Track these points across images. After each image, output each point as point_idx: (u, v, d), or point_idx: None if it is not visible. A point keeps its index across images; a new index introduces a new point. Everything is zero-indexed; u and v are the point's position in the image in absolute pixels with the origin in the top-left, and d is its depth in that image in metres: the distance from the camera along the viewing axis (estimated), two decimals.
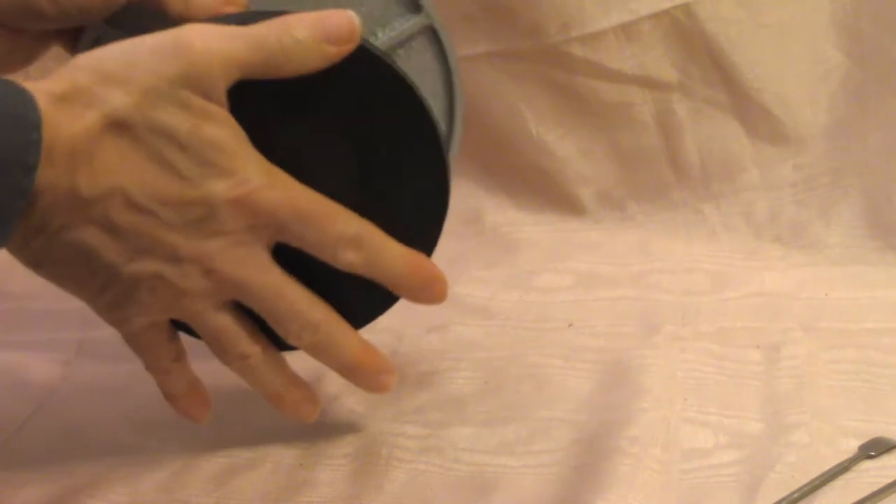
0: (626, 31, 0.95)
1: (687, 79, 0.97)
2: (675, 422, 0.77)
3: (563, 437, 0.77)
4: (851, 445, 0.74)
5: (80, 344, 0.89)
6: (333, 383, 0.84)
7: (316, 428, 0.79)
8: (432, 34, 0.79)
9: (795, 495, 0.70)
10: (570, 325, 0.89)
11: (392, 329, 0.87)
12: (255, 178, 0.67)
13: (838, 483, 0.72)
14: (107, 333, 0.90)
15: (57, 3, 0.72)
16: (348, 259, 0.70)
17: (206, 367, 0.86)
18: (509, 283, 0.94)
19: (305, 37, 0.67)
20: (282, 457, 0.77)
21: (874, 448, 0.74)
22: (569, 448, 0.76)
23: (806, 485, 0.71)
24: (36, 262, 0.66)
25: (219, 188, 0.66)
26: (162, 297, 0.67)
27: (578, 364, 0.84)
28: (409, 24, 0.78)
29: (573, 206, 1.01)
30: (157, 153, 0.64)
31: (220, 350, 0.72)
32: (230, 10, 0.74)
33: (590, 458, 0.74)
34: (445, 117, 0.80)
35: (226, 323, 0.70)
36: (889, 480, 0.71)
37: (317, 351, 0.72)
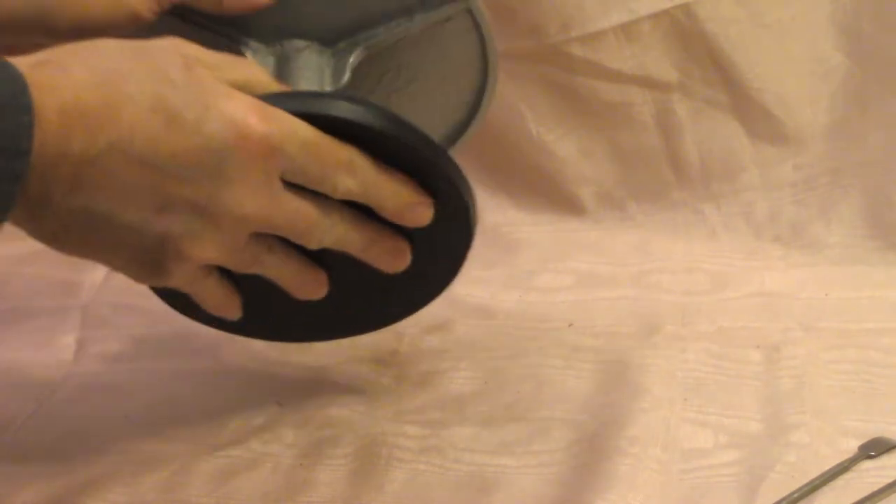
0: (626, 31, 0.95)
1: (687, 79, 0.97)
2: (675, 422, 0.77)
3: (563, 437, 0.77)
4: (851, 445, 0.74)
5: (80, 344, 0.89)
6: (333, 384, 0.84)
7: (316, 428, 0.79)
8: (470, 16, 0.79)
9: (795, 495, 0.70)
10: (570, 325, 0.89)
11: (392, 329, 0.87)
12: (254, 116, 0.65)
13: (838, 483, 0.72)
14: (107, 333, 0.91)
15: (72, 18, 0.72)
16: (347, 185, 0.68)
17: (205, 367, 0.86)
18: (509, 283, 0.94)
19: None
20: (282, 457, 0.77)
21: (874, 448, 0.74)
22: (569, 448, 0.76)
23: (806, 485, 0.71)
24: (52, 235, 0.64)
25: (223, 132, 0.64)
26: (192, 250, 0.65)
27: (578, 364, 0.84)
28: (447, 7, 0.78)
29: (573, 206, 1.01)
30: (155, 101, 0.63)
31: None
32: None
33: (590, 458, 0.74)
34: (476, 92, 0.81)
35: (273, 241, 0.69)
36: (889, 480, 0.71)
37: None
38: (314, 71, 0.78)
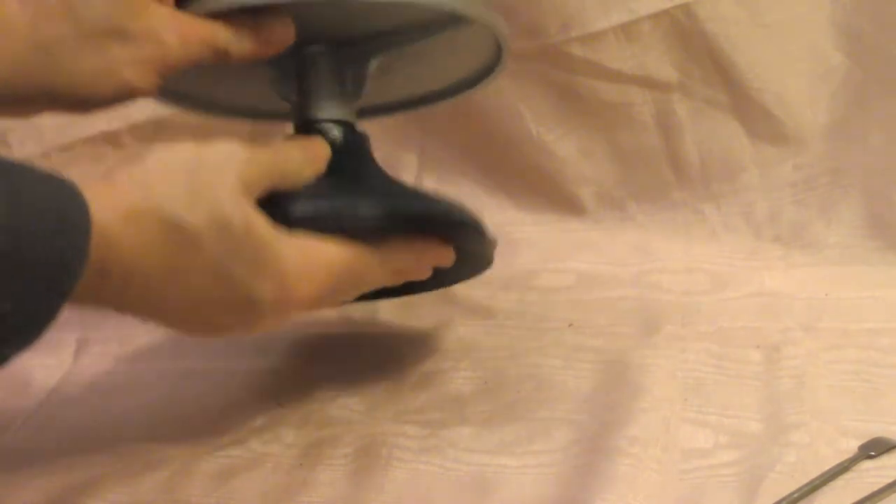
0: (626, 31, 0.95)
1: (687, 79, 0.97)
2: (675, 422, 0.77)
3: (563, 437, 0.77)
4: (851, 445, 0.74)
5: (80, 344, 0.89)
6: (333, 384, 0.84)
7: (316, 428, 0.79)
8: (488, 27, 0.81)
9: (795, 495, 0.70)
10: (570, 325, 0.89)
11: (392, 329, 0.87)
12: (297, 285, 0.69)
13: (838, 483, 0.72)
14: (107, 333, 0.91)
15: (70, 94, 0.72)
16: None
17: (205, 367, 0.86)
18: (509, 284, 0.94)
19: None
20: (282, 457, 0.77)
21: (874, 448, 0.74)
22: (569, 448, 0.76)
23: (806, 485, 0.71)
24: (140, 300, 0.66)
25: (268, 293, 0.67)
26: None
27: (578, 364, 0.84)
28: None
29: (573, 206, 1.01)
30: (216, 265, 0.66)
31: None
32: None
33: (590, 458, 0.74)
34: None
35: None
36: (889, 480, 0.71)
37: None
38: (334, 76, 0.78)
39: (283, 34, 0.74)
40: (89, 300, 0.62)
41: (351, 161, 0.77)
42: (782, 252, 0.95)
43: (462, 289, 0.93)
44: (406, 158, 1.04)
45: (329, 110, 0.78)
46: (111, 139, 0.99)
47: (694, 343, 0.86)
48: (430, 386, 0.83)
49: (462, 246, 0.79)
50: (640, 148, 0.99)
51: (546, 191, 1.01)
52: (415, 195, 0.81)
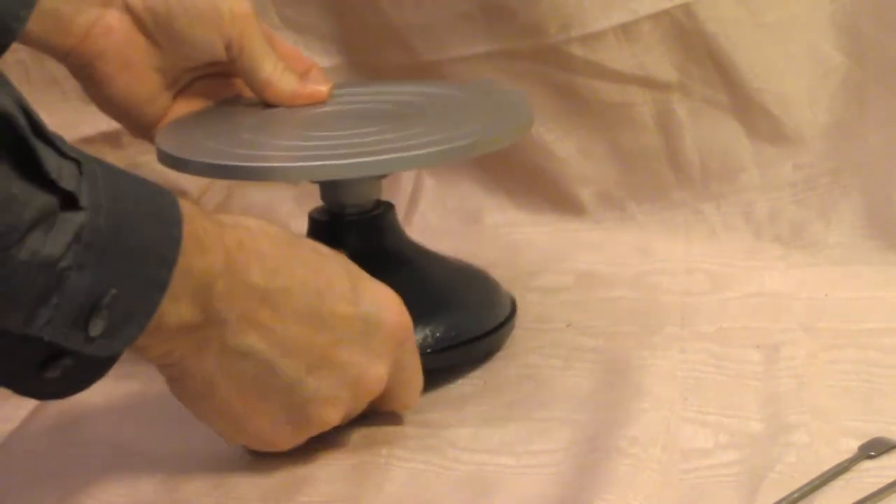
0: (626, 31, 0.95)
1: (687, 79, 0.97)
2: (675, 422, 0.77)
3: (562, 437, 0.77)
4: (851, 445, 0.74)
5: None
6: None
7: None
8: None
9: (795, 495, 0.70)
10: (569, 326, 0.89)
11: None
12: (398, 304, 0.72)
13: (838, 483, 0.71)
14: None
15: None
16: None
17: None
18: (509, 284, 0.93)
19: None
20: (281, 456, 0.77)
21: (874, 448, 0.74)
22: (569, 448, 0.76)
23: (806, 485, 0.71)
24: (206, 386, 0.68)
25: (376, 308, 0.71)
26: (330, 416, 0.72)
27: (578, 364, 0.84)
28: None
29: (573, 206, 1.01)
30: (319, 267, 0.69)
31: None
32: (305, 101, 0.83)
33: (590, 459, 0.74)
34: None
35: None
36: (889, 480, 0.71)
37: None
38: None
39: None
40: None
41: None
42: (782, 252, 0.95)
43: None
44: None
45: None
46: (111, 139, 0.99)
47: (694, 343, 0.86)
48: (429, 386, 0.83)
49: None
50: (640, 148, 0.99)
51: (546, 191, 1.01)
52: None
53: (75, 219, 0.57)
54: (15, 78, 0.89)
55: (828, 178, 0.96)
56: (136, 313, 0.61)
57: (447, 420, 0.79)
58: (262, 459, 0.76)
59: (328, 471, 0.75)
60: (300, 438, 0.73)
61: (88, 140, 0.99)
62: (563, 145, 1.00)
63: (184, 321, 0.64)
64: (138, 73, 0.81)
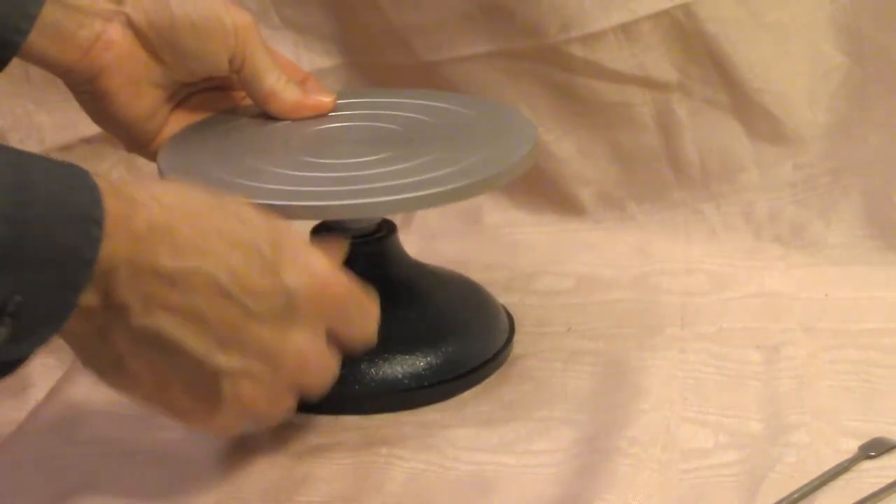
0: (626, 31, 0.95)
1: (687, 79, 0.97)
2: (675, 422, 0.77)
3: (562, 437, 0.77)
4: (851, 445, 0.74)
5: None
6: None
7: (316, 427, 0.79)
8: None
9: (795, 495, 0.70)
10: (570, 329, 0.89)
11: None
12: (324, 270, 0.68)
13: (838, 483, 0.72)
14: None
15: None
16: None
17: None
18: (509, 286, 0.94)
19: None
20: (281, 455, 0.77)
21: (874, 448, 0.74)
22: (568, 448, 0.76)
23: (806, 485, 0.71)
24: (115, 363, 0.65)
25: (297, 279, 0.67)
26: (247, 392, 0.68)
27: (578, 367, 0.84)
28: None
29: (573, 206, 1.01)
30: (237, 238, 0.66)
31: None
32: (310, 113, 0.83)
33: (589, 459, 0.74)
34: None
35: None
36: (889, 481, 0.71)
37: None
38: None
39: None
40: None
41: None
42: (782, 252, 0.95)
43: None
44: None
45: None
46: (111, 139, 0.99)
47: (694, 343, 0.86)
48: None
49: None
50: (640, 148, 0.99)
51: (546, 191, 1.01)
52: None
53: None
54: (15, 78, 0.90)
55: (828, 178, 0.96)
56: (49, 316, 0.59)
57: (447, 420, 0.79)
58: (263, 459, 0.76)
59: (328, 471, 0.75)
60: (223, 417, 0.68)
61: (88, 140, 0.99)
62: (563, 145, 1.00)
63: (82, 307, 0.61)
64: (139, 90, 0.81)
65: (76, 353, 0.66)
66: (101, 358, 0.66)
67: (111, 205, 0.60)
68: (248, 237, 0.66)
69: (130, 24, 0.79)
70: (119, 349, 0.65)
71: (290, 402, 0.70)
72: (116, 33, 0.79)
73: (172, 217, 0.64)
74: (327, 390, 0.71)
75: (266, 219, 0.68)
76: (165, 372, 0.66)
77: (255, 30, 0.81)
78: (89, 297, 0.61)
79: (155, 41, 0.80)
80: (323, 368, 0.70)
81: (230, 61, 0.81)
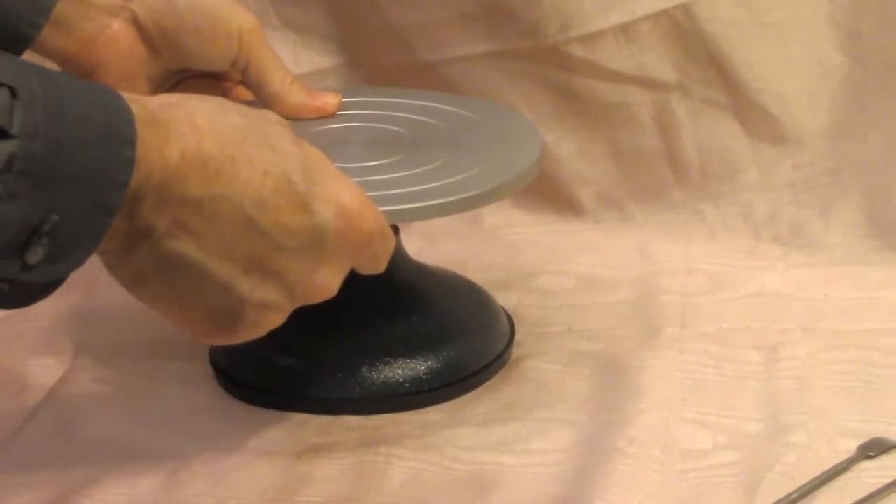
0: (626, 31, 0.95)
1: (686, 79, 0.97)
2: (675, 422, 0.77)
3: (562, 437, 0.77)
4: (851, 446, 0.74)
5: (80, 344, 0.89)
6: None
7: (315, 427, 0.79)
8: None
9: (795, 495, 0.70)
10: (570, 330, 0.89)
11: None
12: (355, 204, 0.68)
13: (838, 483, 0.72)
14: (106, 334, 0.90)
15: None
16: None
17: (203, 368, 0.86)
18: (509, 286, 0.94)
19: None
20: (280, 455, 0.77)
21: (873, 448, 0.74)
22: (568, 448, 0.76)
23: (805, 485, 0.71)
24: (138, 276, 0.65)
25: (327, 214, 0.66)
26: (268, 319, 0.67)
27: (578, 367, 0.84)
28: None
29: (573, 206, 1.01)
30: (270, 166, 0.65)
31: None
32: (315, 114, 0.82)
33: (589, 459, 0.74)
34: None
35: None
36: (888, 480, 0.71)
37: None
38: None
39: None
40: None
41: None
42: (781, 252, 0.95)
43: None
44: None
45: None
46: None
47: (693, 344, 0.86)
48: None
49: None
50: (639, 148, 0.99)
51: (546, 191, 1.01)
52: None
53: (4, 148, 0.55)
54: None
55: (827, 178, 0.96)
56: (82, 237, 0.59)
57: (447, 420, 0.80)
58: (262, 459, 0.76)
59: (328, 471, 0.75)
60: (242, 336, 0.68)
61: None
62: (563, 145, 1.00)
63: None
64: (134, 83, 0.80)
65: (102, 260, 0.65)
66: (124, 271, 0.65)
67: (144, 132, 0.60)
68: (280, 166, 0.65)
69: (135, 21, 0.79)
70: (142, 266, 0.64)
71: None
72: (119, 29, 0.79)
73: (204, 143, 0.62)
74: None
75: (299, 146, 0.67)
76: (187, 293, 0.65)
77: (260, 32, 0.81)
78: (118, 219, 0.60)
79: (158, 39, 0.80)
80: (332, 295, 0.69)
81: (233, 63, 0.81)
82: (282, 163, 0.65)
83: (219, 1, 0.80)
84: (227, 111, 0.65)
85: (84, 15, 0.78)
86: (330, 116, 0.84)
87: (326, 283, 0.68)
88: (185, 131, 0.62)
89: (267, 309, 0.67)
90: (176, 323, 0.68)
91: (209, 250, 0.64)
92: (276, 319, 0.68)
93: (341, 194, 0.67)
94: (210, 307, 0.66)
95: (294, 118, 0.83)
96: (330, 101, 0.84)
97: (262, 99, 0.83)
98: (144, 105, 0.60)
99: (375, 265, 0.70)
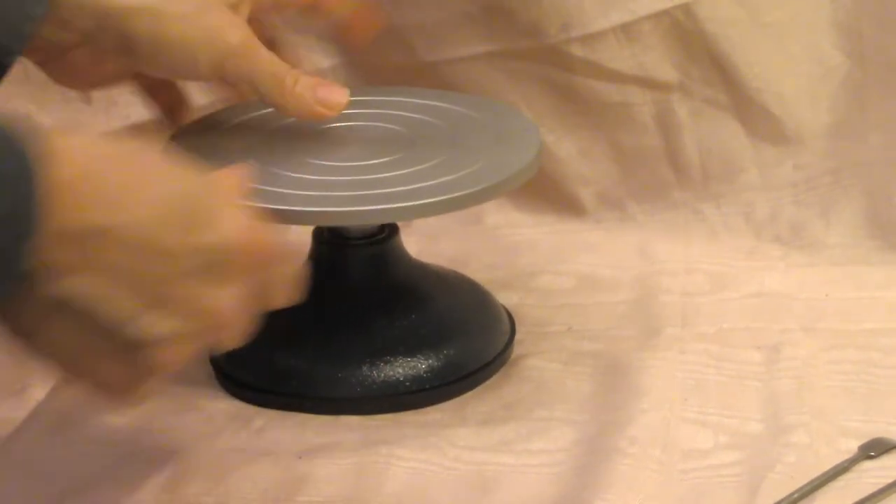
0: (626, 31, 0.95)
1: (687, 79, 0.97)
2: (675, 422, 0.77)
3: (562, 437, 0.77)
4: (851, 446, 0.74)
5: None
6: None
7: (316, 426, 0.79)
8: None
9: (795, 495, 0.70)
10: (570, 329, 0.89)
11: None
12: (250, 221, 0.64)
13: (838, 483, 0.72)
14: None
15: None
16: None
17: (203, 368, 0.86)
18: (509, 285, 0.94)
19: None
20: (281, 455, 0.77)
21: (874, 448, 0.74)
22: (568, 448, 0.76)
23: (806, 485, 0.71)
24: (30, 327, 0.61)
25: (232, 233, 0.63)
26: (174, 357, 0.63)
27: (578, 367, 0.84)
28: None
29: (573, 206, 1.01)
30: (171, 192, 0.62)
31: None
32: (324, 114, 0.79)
33: (589, 459, 0.74)
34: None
35: None
36: (889, 481, 0.71)
37: None
38: None
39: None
40: None
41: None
42: (782, 252, 0.95)
43: None
44: None
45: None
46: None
47: (694, 344, 0.86)
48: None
49: None
50: (640, 148, 0.99)
51: (546, 191, 1.01)
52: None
53: None
54: (15, 78, 0.89)
55: (828, 178, 0.97)
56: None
57: (447, 420, 0.80)
58: (263, 459, 0.76)
59: (328, 471, 0.75)
60: (144, 381, 0.63)
61: None
62: (563, 145, 1.00)
63: None
64: (105, 81, 0.79)
65: None
66: (14, 324, 0.61)
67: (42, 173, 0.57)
68: (175, 189, 0.62)
69: (123, 37, 0.76)
70: (36, 316, 0.60)
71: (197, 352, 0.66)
72: (105, 44, 0.76)
73: (81, 171, 0.59)
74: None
75: (187, 170, 0.64)
76: (84, 341, 0.61)
77: (253, 48, 0.78)
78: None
79: (145, 57, 0.77)
80: (243, 325, 0.65)
81: (224, 77, 0.79)
82: (176, 186, 0.62)
83: (196, 30, 0.77)
84: (106, 140, 0.64)
85: (64, 28, 0.77)
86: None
87: (230, 306, 0.63)
88: (58, 158, 0.58)
89: (170, 342, 0.62)
90: (72, 378, 0.64)
91: (112, 285, 0.60)
92: (184, 353, 0.63)
93: (234, 214, 0.64)
94: (109, 353, 0.62)
95: (298, 119, 0.82)
96: (336, 100, 0.81)
97: (266, 102, 0.81)
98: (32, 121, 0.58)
99: (285, 290, 0.66)
